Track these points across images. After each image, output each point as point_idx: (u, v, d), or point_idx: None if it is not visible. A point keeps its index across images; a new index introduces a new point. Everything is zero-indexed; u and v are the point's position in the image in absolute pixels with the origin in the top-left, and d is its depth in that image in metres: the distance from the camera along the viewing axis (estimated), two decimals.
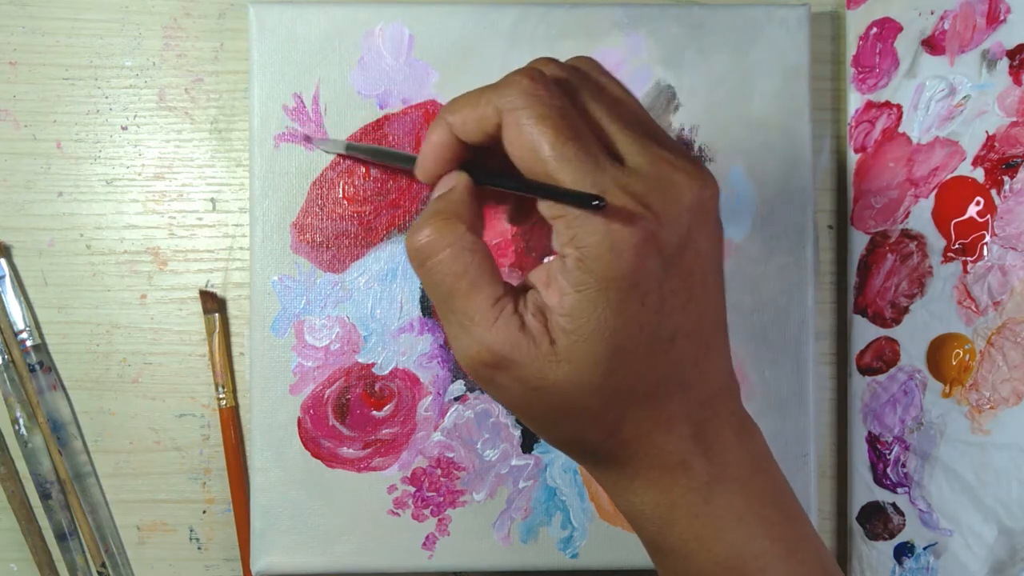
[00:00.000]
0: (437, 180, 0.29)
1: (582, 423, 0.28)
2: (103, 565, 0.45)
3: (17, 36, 0.45)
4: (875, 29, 0.44)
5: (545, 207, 0.27)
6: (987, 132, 0.43)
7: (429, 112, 0.43)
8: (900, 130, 0.44)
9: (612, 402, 0.27)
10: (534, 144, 0.26)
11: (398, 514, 0.43)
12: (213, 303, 0.44)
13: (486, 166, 0.29)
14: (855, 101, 0.45)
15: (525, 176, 0.27)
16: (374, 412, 0.43)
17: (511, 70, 0.43)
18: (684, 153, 0.28)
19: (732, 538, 0.28)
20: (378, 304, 0.43)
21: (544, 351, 0.26)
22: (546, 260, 0.28)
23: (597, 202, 0.24)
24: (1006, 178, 0.43)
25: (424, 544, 0.43)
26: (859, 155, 0.44)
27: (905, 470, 0.44)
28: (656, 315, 0.26)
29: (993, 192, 0.43)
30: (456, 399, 0.43)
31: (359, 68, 0.43)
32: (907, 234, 0.44)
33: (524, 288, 0.28)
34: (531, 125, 0.26)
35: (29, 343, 0.44)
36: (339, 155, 0.43)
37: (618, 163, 0.26)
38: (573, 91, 0.28)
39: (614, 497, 0.30)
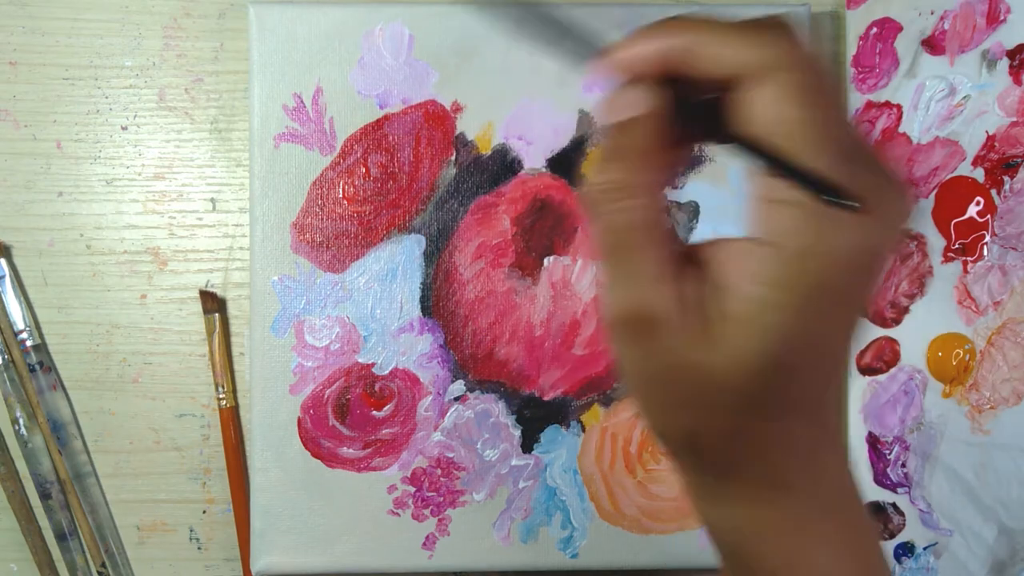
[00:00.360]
0: (628, 76, 0.25)
1: (705, 419, 0.26)
2: (103, 565, 0.45)
3: (17, 36, 0.45)
4: (875, 29, 0.44)
5: (770, 187, 0.23)
6: (987, 132, 0.43)
7: (429, 112, 0.43)
8: (900, 130, 0.44)
9: (746, 406, 0.25)
10: (793, 122, 0.23)
11: (398, 514, 0.43)
12: (213, 303, 0.44)
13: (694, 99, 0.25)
14: (855, 101, 0.45)
15: (754, 145, 0.24)
16: (374, 412, 0.43)
17: (511, 70, 0.43)
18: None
19: (824, 563, 0.27)
20: (378, 304, 0.43)
21: (696, 331, 0.24)
22: (723, 240, 0.26)
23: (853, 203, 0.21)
24: (1006, 178, 0.43)
25: (424, 544, 0.43)
26: None
27: (905, 470, 0.44)
28: (831, 334, 0.25)
29: (993, 192, 0.43)
30: (456, 399, 0.43)
31: (359, 68, 0.43)
32: (907, 234, 0.44)
33: (690, 254, 0.26)
34: (799, 98, 0.23)
35: (29, 343, 0.44)
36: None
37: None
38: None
39: (705, 506, 0.28)
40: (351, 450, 0.43)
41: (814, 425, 0.27)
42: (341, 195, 0.43)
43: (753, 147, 0.23)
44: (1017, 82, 0.43)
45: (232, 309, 0.45)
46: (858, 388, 0.44)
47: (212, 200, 0.45)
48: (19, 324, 0.44)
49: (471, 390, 0.43)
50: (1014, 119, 0.43)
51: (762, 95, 0.23)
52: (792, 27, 0.23)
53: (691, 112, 0.25)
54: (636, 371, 0.26)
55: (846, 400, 0.29)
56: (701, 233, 0.44)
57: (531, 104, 0.43)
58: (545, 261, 0.43)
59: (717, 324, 0.24)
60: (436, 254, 0.43)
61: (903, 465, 0.44)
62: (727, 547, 0.28)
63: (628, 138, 0.25)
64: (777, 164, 0.23)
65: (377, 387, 0.43)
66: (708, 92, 0.24)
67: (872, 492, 0.44)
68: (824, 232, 0.23)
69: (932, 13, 0.43)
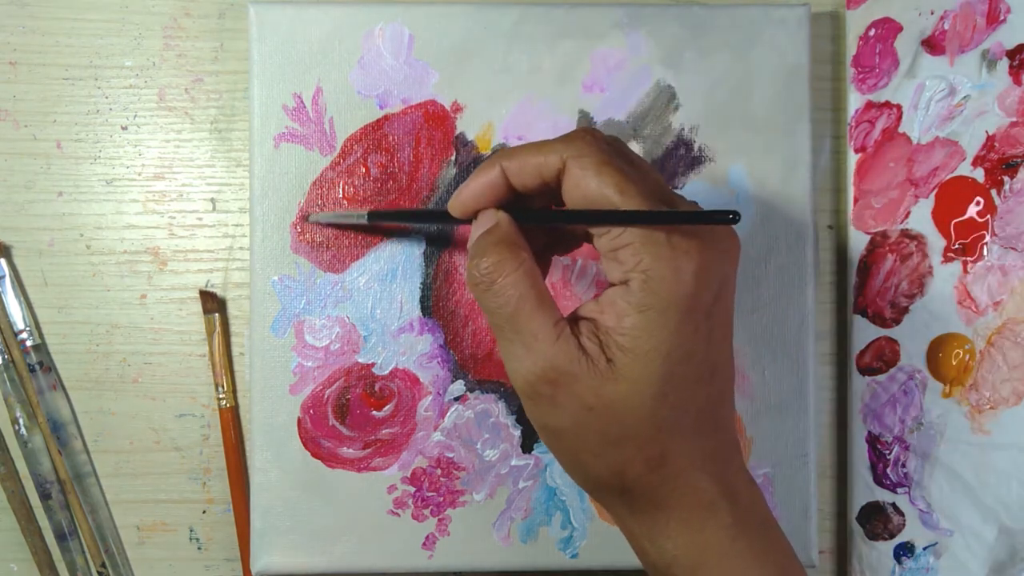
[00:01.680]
0: (470, 215, 0.32)
1: (629, 451, 0.29)
2: (103, 565, 0.45)
3: (17, 36, 0.45)
4: (875, 29, 0.44)
5: (606, 241, 0.29)
6: (987, 132, 0.43)
7: (429, 112, 0.43)
8: (900, 130, 0.44)
9: (659, 430, 0.29)
10: (601, 186, 0.28)
11: (398, 514, 0.43)
12: (213, 303, 0.44)
13: (529, 209, 0.32)
14: (855, 101, 0.45)
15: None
16: (374, 412, 0.43)
17: (511, 70, 0.43)
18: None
19: None
20: (378, 304, 0.43)
21: (602, 368, 0.28)
22: (591, 299, 0.30)
23: (732, 216, 0.27)
24: (1006, 178, 0.43)
25: (424, 544, 0.43)
26: (859, 155, 0.44)
27: (905, 470, 0.44)
28: (704, 344, 0.29)
29: (993, 192, 0.43)
30: (456, 399, 0.43)
31: (359, 68, 0.43)
32: (907, 234, 0.44)
33: (574, 319, 0.30)
34: (598, 169, 0.29)
35: (29, 343, 0.44)
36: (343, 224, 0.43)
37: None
38: (620, 150, 0.31)
39: (647, 546, 0.31)
40: (351, 450, 0.43)
41: (718, 443, 0.30)
42: (341, 195, 0.43)
43: (585, 217, 0.29)
44: (1017, 82, 0.43)
45: (232, 309, 0.45)
46: (858, 388, 0.44)
47: (212, 200, 0.45)
48: (19, 324, 0.44)
49: (471, 390, 0.43)
50: (1014, 119, 0.43)
51: (570, 178, 0.29)
52: (589, 130, 0.30)
53: (541, 214, 0.32)
54: (559, 427, 0.29)
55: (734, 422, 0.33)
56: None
57: (531, 104, 0.43)
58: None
59: (616, 360, 0.28)
60: (436, 254, 0.43)
61: (903, 465, 0.44)
62: None
63: (491, 237, 0.30)
64: (605, 219, 0.28)
65: (377, 387, 0.43)
66: (545, 194, 0.31)
67: (872, 492, 0.44)
68: (662, 257, 0.27)
69: (932, 13, 0.43)
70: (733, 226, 0.30)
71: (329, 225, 0.42)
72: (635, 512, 0.30)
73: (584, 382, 0.28)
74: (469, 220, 0.33)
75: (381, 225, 0.42)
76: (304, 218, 0.43)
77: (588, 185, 0.29)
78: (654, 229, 0.28)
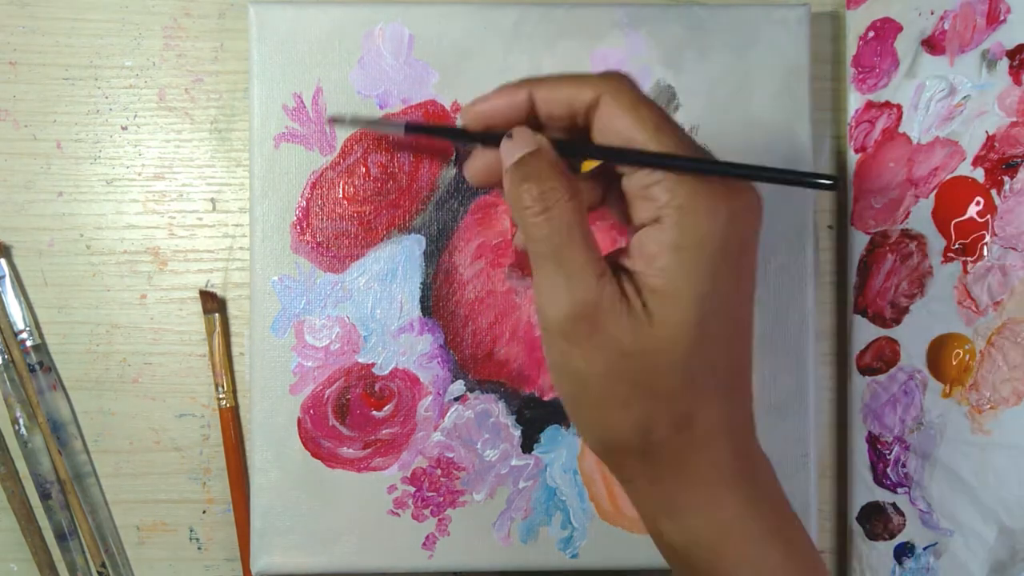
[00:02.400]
0: (483, 126, 0.31)
1: (658, 405, 0.28)
2: (103, 565, 0.45)
3: (17, 36, 0.45)
4: (875, 29, 0.44)
5: (637, 179, 0.27)
6: (987, 132, 0.43)
7: (429, 112, 0.43)
8: (900, 130, 0.44)
9: (690, 385, 0.28)
10: (636, 125, 0.27)
11: (398, 514, 0.43)
12: (213, 303, 0.44)
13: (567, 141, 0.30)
14: (855, 101, 0.45)
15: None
16: (374, 412, 0.43)
17: (511, 70, 0.43)
18: None
19: (773, 561, 0.28)
20: (378, 304, 0.43)
21: (638, 313, 0.27)
22: (618, 248, 0.29)
23: (831, 181, 0.25)
24: (1006, 178, 0.43)
25: (424, 544, 0.43)
26: (859, 155, 0.44)
27: (905, 470, 0.44)
28: (735, 293, 0.28)
29: (993, 192, 0.43)
30: (456, 399, 0.43)
31: (359, 68, 0.43)
32: (907, 234, 0.44)
33: (615, 261, 0.29)
34: (635, 107, 0.28)
35: (29, 343, 0.44)
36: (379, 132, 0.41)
37: None
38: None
39: (663, 522, 0.29)
40: (351, 450, 0.43)
41: (740, 410, 0.29)
42: (341, 195, 0.43)
43: (614, 154, 0.28)
44: (1017, 82, 0.43)
45: (232, 309, 0.45)
46: (858, 388, 0.44)
47: (212, 200, 0.45)
48: (19, 324, 0.44)
49: (471, 390, 0.43)
50: (1014, 119, 0.43)
51: (604, 114, 0.28)
52: (623, 73, 0.29)
53: (582, 147, 0.30)
54: (592, 370, 0.28)
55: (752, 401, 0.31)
56: None
57: None
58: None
59: (651, 304, 0.27)
60: (436, 254, 0.43)
61: (903, 465, 0.44)
62: (699, 563, 0.29)
63: (537, 162, 0.29)
64: (635, 159, 0.27)
65: (377, 387, 0.43)
66: (566, 130, 0.30)
67: (872, 492, 0.44)
68: (698, 195, 0.27)
69: (932, 13, 0.43)
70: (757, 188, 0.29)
71: (356, 124, 0.41)
72: (656, 479, 0.29)
73: (622, 325, 0.27)
74: (495, 140, 0.31)
75: (416, 137, 0.40)
76: (332, 120, 0.42)
77: (623, 122, 0.28)
78: (685, 175, 0.27)
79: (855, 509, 0.44)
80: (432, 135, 0.40)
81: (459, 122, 0.31)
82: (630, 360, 0.27)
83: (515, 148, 0.29)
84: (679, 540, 0.29)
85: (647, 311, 0.27)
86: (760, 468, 0.30)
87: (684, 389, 0.28)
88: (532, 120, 0.31)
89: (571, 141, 0.30)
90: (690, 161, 0.27)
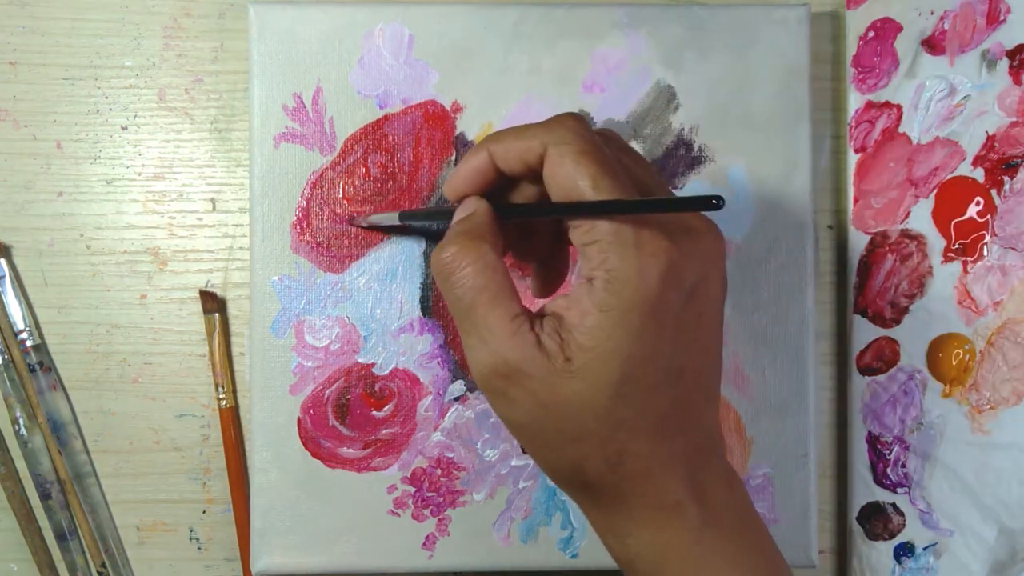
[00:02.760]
0: (461, 200, 0.32)
1: (586, 449, 0.29)
2: (103, 565, 0.45)
3: (17, 36, 0.45)
4: (875, 29, 0.44)
5: (578, 235, 0.28)
6: (987, 132, 0.43)
7: (429, 112, 0.43)
8: (900, 130, 0.44)
9: (617, 430, 0.28)
10: (576, 176, 0.28)
11: (398, 514, 0.43)
12: (213, 303, 0.44)
13: (506, 202, 0.32)
14: (855, 101, 0.45)
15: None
16: (374, 412, 0.43)
17: (511, 70, 0.43)
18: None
19: None
20: (378, 304, 0.43)
21: (559, 366, 0.28)
22: (562, 295, 0.30)
23: (716, 201, 0.25)
24: (1006, 178, 0.43)
25: (424, 544, 0.43)
26: (859, 155, 0.44)
27: (905, 470, 0.44)
28: (669, 347, 0.28)
29: (993, 192, 0.43)
30: (456, 399, 0.43)
31: (359, 68, 0.43)
32: (907, 234, 0.44)
33: (541, 314, 0.30)
34: (575, 159, 0.28)
35: (29, 343, 0.44)
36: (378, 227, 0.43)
37: None
38: (607, 141, 0.30)
39: (609, 539, 0.31)
40: (351, 450, 0.43)
41: (687, 445, 0.29)
42: (341, 195, 0.43)
43: (554, 208, 0.29)
44: (1017, 82, 0.43)
45: (232, 309, 0.45)
46: (858, 388, 0.44)
47: (212, 200, 0.45)
48: (19, 324, 0.44)
49: (471, 390, 0.43)
50: (1014, 119, 0.43)
51: (549, 166, 0.28)
52: (574, 116, 0.29)
53: (515, 208, 0.31)
54: (515, 419, 0.29)
55: (718, 423, 0.32)
56: None
57: (531, 104, 0.43)
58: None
59: (575, 358, 0.27)
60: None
61: (903, 465, 0.44)
62: (631, 573, 0.31)
63: (458, 227, 0.30)
64: (579, 211, 0.28)
65: (377, 387, 0.43)
66: (536, 178, 0.30)
67: (872, 492, 0.44)
68: (627, 257, 0.27)
69: (932, 13, 0.43)
70: (717, 225, 0.30)
71: (371, 228, 0.43)
72: (597, 506, 0.30)
73: (538, 379, 0.28)
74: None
75: (410, 224, 0.41)
76: (349, 220, 0.43)
77: (564, 174, 0.28)
78: (623, 226, 0.27)
79: (855, 509, 0.44)
80: (424, 220, 0.41)
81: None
82: (551, 410, 0.28)
83: (456, 215, 0.31)
84: (623, 556, 0.30)
85: (569, 365, 0.28)
86: (718, 492, 0.30)
87: (611, 434, 0.28)
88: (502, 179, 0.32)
89: (507, 204, 0.32)
90: (604, 205, 0.27)
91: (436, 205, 0.43)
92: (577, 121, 0.29)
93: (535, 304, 0.33)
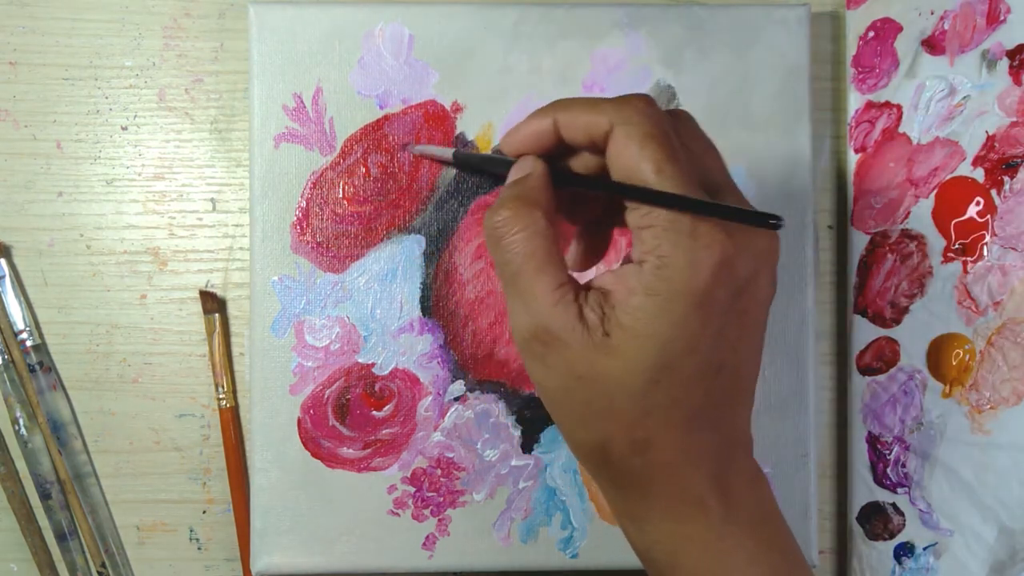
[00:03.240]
0: (519, 153, 0.31)
1: (613, 428, 0.29)
2: (103, 565, 0.45)
3: (17, 36, 0.45)
4: (875, 29, 0.44)
5: (635, 217, 0.28)
6: (987, 132, 0.43)
7: (429, 112, 0.43)
8: (900, 130, 0.44)
9: (648, 415, 0.28)
10: (640, 159, 0.28)
11: (398, 514, 0.43)
12: (213, 303, 0.44)
13: (564, 168, 0.31)
14: (855, 101, 0.45)
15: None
16: (374, 412, 0.43)
17: (511, 70, 0.43)
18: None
19: None
20: (378, 304, 0.43)
21: (597, 340, 0.28)
22: (615, 267, 0.30)
23: (775, 222, 0.25)
24: (1006, 178, 0.43)
25: (424, 544, 0.43)
26: (859, 155, 0.44)
27: (905, 470, 0.44)
28: (711, 340, 0.28)
29: (993, 192, 0.43)
30: (456, 399, 0.43)
31: (359, 68, 0.43)
32: (907, 234, 0.44)
33: (588, 287, 0.29)
34: (642, 141, 0.28)
35: (29, 343, 0.44)
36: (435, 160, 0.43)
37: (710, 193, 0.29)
38: (679, 124, 0.30)
39: (628, 525, 0.31)
40: (351, 450, 0.43)
41: (716, 443, 0.30)
42: (341, 195, 0.43)
43: (614, 187, 0.29)
44: (1017, 82, 0.43)
45: (232, 309, 0.45)
46: (858, 388, 0.44)
47: (212, 200, 0.45)
48: (19, 324, 0.44)
49: (471, 390, 0.43)
50: (1014, 119, 0.43)
51: (614, 145, 0.28)
52: (645, 97, 0.29)
53: (574, 177, 0.31)
54: (547, 385, 0.29)
55: (749, 418, 0.32)
56: None
57: (531, 104, 0.43)
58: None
59: (614, 335, 0.28)
60: (436, 254, 0.43)
61: (903, 465, 0.44)
62: (657, 567, 0.30)
63: (513, 190, 0.30)
64: (632, 193, 0.28)
65: (377, 387, 0.43)
66: (592, 158, 0.30)
67: (872, 492, 0.44)
68: (681, 246, 0.27)
69: (932, 13, 0.44)
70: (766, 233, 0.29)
71: (422, 156, 0.42)
72: (617, 488, 0.30)
73: (575, 350, 0.28)
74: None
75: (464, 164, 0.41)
76: (403, 146, 0.43)
77: (629, 156, 0.28)
78: (681, 215, 0.27)
79: (855, 509, 0.44)
80: (478, 165, 0.40)
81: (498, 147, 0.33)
82: (584, 383, 0.28)
83: (512, 173, 0.31)
84: (639, 542, 0.31)
85: (608, 340, 0.28)
86: (743, 491, 0.30)
87: (641, 418, 0.28)
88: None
89: (567, 172, 0.31)
90: (665, 197, 0.27)
91: (437, 204, 0.43)
92: (647, 103, 0.29)
93: (583, 277, 0.33)
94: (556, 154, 0.31)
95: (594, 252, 0.35)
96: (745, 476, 0.31)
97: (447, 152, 0.39)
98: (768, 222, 0.26)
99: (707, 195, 0.28)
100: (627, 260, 0.29)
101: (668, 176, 0.27)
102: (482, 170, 0.40)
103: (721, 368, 0.29)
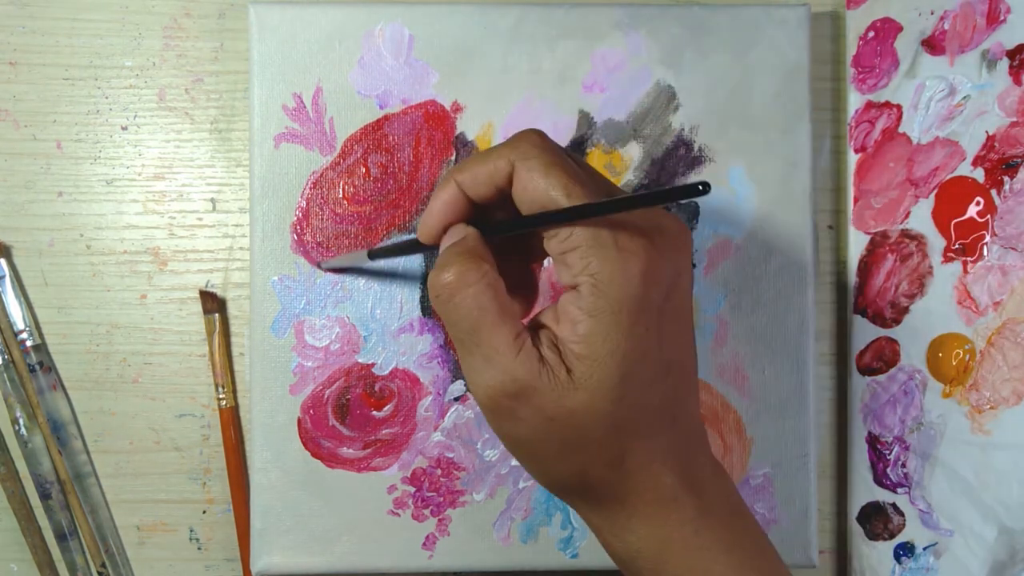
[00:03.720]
0: (439, 238, 0.32)
1: (589, 455, 0.29)
2: (103, 565, 0.45)
3: (17, 36, 0.45)
4: (875, 29, 0.44)
5: (555, 244, 0.28)
6: (987, 132, 0.43)
7: (429, 112, 0.43)
8: (900, 130, 0.44)
9: (618, 431, 0.29)
10: (548, 188, 0.28)
11: (398, 514, 0.43)
12: (213, 303, 0.44)
13: (490, 221, 0.32)
14: (855, 101, 0.45)
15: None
16: (374, 412, 0.43)
17: (511, 70, 0.43)
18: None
19: (721, 569, 0.30)
20: (378, 304, 0.43)
21: (562, 380, 0.28)
22: (548, 308, 0.30)
23: (703, 187, 0.25)
24: (1006, 178, 0.43)
25: (424, 544, 0.43)
26: (859, 155, 0.44)
27: (905, 470, 0.44)
28: (657, 342, 0.29)
29: (993, 192, 0.43)
30: (456, 399, 0.43)
31: (359, 68, 0.43)
32: (907, 234, 0.44)
33: (535, 327, 0.30)
34: (544, 171, 0.28)
35: (29, 343, 0.44)
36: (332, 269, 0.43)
37: None
38: (567, 152, 0.31)
39: (611, 539, 0.31)
40: (351, 450, 0.43)
41: (677, 438, 0.30)
42: (341, 195, 0.43)
43: (535, 219, 0.29)
44: (1017, 82, 0.43)
45: (232, 309, 0.45)
46: (858, 388, 0.44)
47: (212, 200, 0.45)
48: (19, 324, 0.44)
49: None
50: (1014, 119, 0.43)
51: (519, 182, 0.29)
52: (535, 132, 0.30)
53: (497, 225, 0.31)
54: (520, 437, 0.30)
55: (698, 412, 0.33)
56: (701, 234, 0.44)
57: (531, 104, 0.43)
58: (545, 262, 0.43)
59: (575, 369, 0.28)
60: (436, 254, 0.43)
61: (903, 465, 0.44)
62: (631, 570, 0.31)
63: (454, 248, 0.30)
64: (555, 218, 0.28)
65: (377, 387, 0.43)
66: (506, 202, 0.30)
67: (872, 492, 0.44)
68: (609, 259, 0.27)
69: (932, 13, 0.43)
70: (681, 218, 0.30)
71: (335, 270, 0.43)
72: (597, 508, 0.31)
73: (545, 394, 0.28)
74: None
75: (379, 260, 0.41)
76: (317, 265, 0.43)
77: (536, 187, 0.28)
78: (600, 230, 0.27)
79: (855, 509, 0.44)
80: (394, 255, 0.40)
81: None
82: (556, 423, 0.29)
83: (443, 244, 0.31)
84: (623, 552, 0.31)
85: (571, 376, 0.28)
86: (708, 482, 0.31)
87: (613, 436, 0.29)
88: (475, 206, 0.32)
89: (488, 221, 0.31)
90: (584, 209, 0.28)
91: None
92: (539, 136, 0.30)
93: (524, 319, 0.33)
94: (471, 218, 0.32)
95: (527, 296, 0.36)
96: (708, 468, 0.31)
97: (360, 255, 0.39)
98: (697, 189, 0.25)
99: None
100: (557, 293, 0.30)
101: (578, 195, 0.28)
102: (404, 254, 0.40)
103: (670, 367, 0.29)
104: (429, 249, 0.33)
